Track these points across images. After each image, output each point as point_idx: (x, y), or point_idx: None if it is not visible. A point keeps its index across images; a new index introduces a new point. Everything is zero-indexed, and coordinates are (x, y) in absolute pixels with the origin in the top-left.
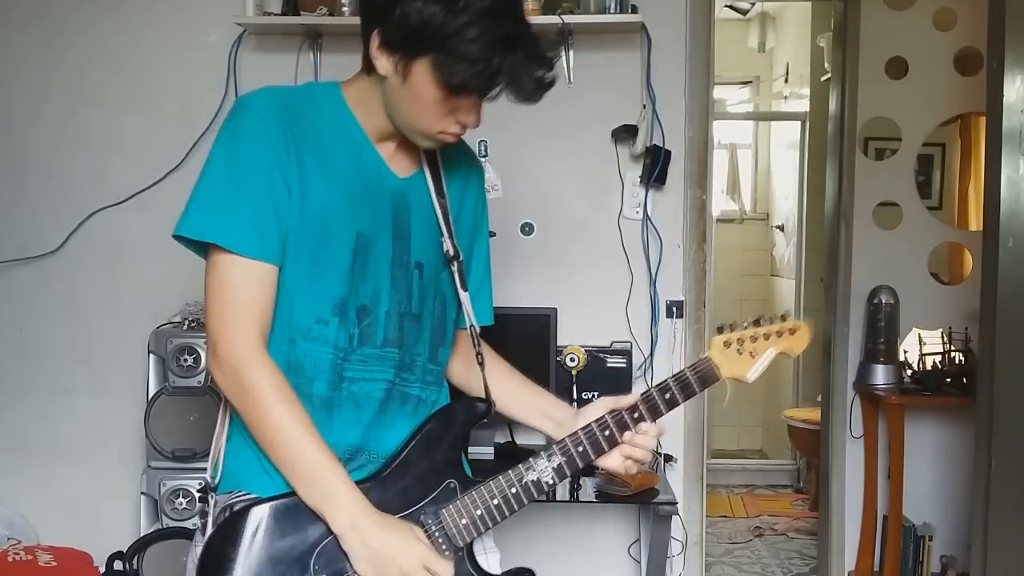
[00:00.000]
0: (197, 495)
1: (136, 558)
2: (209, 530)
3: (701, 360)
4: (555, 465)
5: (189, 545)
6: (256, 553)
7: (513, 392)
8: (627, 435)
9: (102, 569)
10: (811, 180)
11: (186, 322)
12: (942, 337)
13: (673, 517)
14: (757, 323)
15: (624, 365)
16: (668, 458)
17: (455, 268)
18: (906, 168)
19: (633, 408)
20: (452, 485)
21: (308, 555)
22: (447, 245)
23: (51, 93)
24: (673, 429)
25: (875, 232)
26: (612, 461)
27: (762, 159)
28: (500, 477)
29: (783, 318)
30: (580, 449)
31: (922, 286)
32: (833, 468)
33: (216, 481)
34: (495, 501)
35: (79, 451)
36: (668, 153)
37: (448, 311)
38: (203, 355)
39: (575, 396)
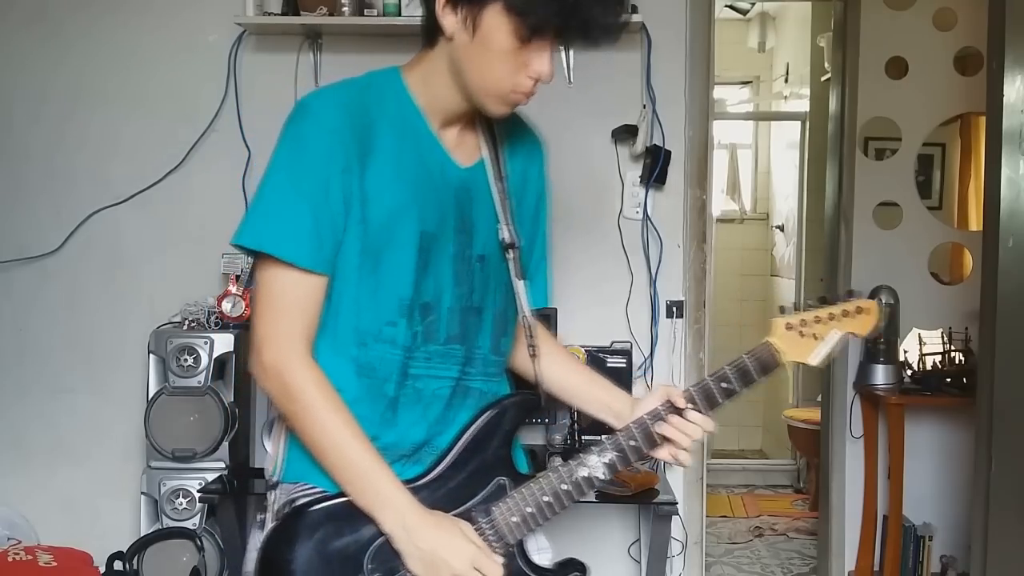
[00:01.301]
0: (197, 495)
1: (136, 558)
2: (270, 524)
3: (760, 344)
4: (606, 460)
5: (189, 545)
6: (314, 550)
7: (572, 382)
8: (674, 420)
9: (102, 569)
10: (811, 180)
11: (186, 322)
12: (942, 337)
13: (673, 517)
14: (823, 303)
15: (624, 365)
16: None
17: (511, 256)
18: (906, 168)
19: (689, 398)
20: (502, 482)
21: (362, 554)
22: (503, 232)
23: (51, 93)
24: None
25: (875, 232)
26: (663, 453)
27: (762, 159)
28: (550, 473)
29: (850, 295)
30: (632, 443)
31: (922, 286)
32: (833, 468)
33: (276, 478)
34: (546, 498)
35: (79, 451)
36: (668, 153)
37: (509, 301)
38: (203, 355)
39: None
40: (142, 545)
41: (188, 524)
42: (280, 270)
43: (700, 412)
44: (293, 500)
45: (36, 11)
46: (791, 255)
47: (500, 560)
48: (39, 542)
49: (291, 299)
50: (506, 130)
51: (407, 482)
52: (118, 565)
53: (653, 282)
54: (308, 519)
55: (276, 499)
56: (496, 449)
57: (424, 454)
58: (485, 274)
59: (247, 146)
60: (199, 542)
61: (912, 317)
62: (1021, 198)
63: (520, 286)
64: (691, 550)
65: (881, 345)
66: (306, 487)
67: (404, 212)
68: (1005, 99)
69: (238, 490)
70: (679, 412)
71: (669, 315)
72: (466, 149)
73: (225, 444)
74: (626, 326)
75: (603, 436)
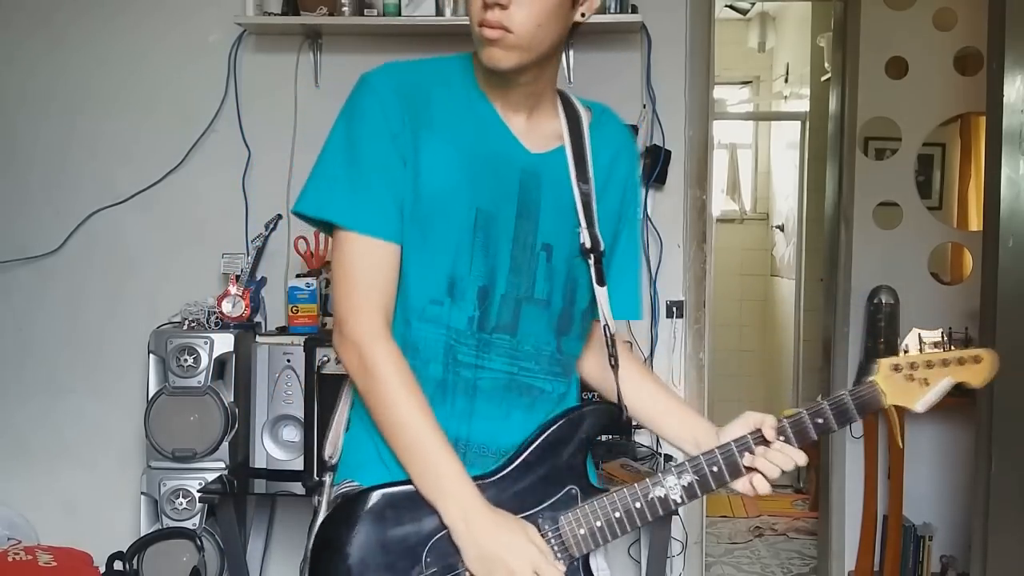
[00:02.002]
0: (197, 495)
1: (136, 558)
2: (323, 510)
3: (865, 384)
4: (685, 483)
5: (189, 545)
6: (370, 539)
7: (651, 400)
8: (760, 450)
9: (102, 569)
10: (811, 180)
11: (186, 322)
12: (942, 337)
13: (673, 517)
14: (937, 347)
15: None
16: (668, 458)
17: (591, 261)
18: (906, 168)
19: (781, 431)
20: (574, 492)
21: (421, 546)
22: (584, 236)
23: (51, 93)
24: None
25: (875, 232)
26: (742, 483)
27: (762, 159)
28: (625, 489)
29: (967, 345)
30: (715, 469)
31: (922, 286)
32: (833, 468)
33: (333, 462)
34: (616, 514)
35: (79, 451)
36: (668, 153)
37: (578, 300)
38: (203, 355)
39: None
40: (142, 545)
41: (188, 524)
42: (349, 240)
43: (791, 445)
44: (344, 493)
45: (37, 11)
46: (791, 255)
47: (562, 568)
48: (39, 542)
49: (362, 270)
50: (592, 125)
51: (475, 479)
52: (118, 565)
53: (653, 282)
54: (366, 507)
55: (328, 491)
56: (570, 456)
57: (473, 453)
58: (551, 266)
59: (247, 146)
60: (199, 542)
61: (912, 317)
62: (1021, 198)
63: (601, 292)
64: (691, 550)
65: (881, 345)
66: (354, 485)
67: (458, 188)
68: (1005, 99)
69: (238, 490)
70: (767, 443)
71: (669, 315)
72: (541, 136)
73: (225, 444)
74: (626, 326)
75: (686, 459)
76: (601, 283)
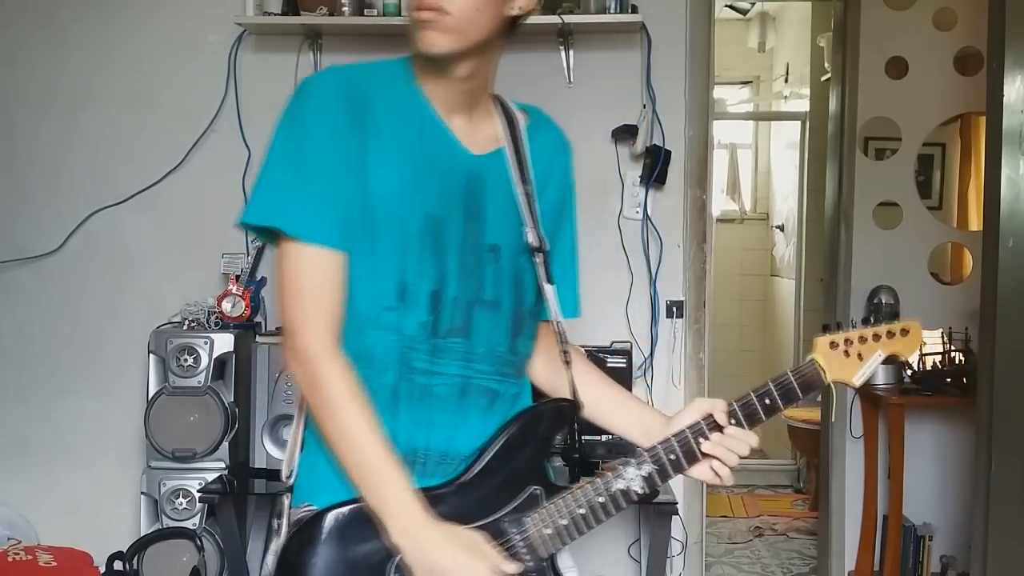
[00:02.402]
0: (197, 495)
1: (136, 558)
2: (284, 531)
3: (805, 363)
4: (645, 474)
5: (189, 545)
6: (334, 558)
7: (601, 395)
8: (715, 436)
9: (102, 569)
10: (811, 180)
11: (186, 322)
12: (942, 337)
13: (673, 517)
14: (865, 323)
15: (624, 365)
16: None
17: (539, 260)
18: (906, 168)
19: (732, 414)
20: (537, 492)
21: (387, 562)
22: (530, 235)
23: (51, 93)
24: None
25: (875, 232)
26: (701, 470)
27: (762, 159)
28: (587, 485)
29: (895, 318)
30: (672, 458)
31: (922, 286)
32: (833, 468)
33: (291, 481)
34: (581, 511)
35: (79, 451)
36: (668, 153)
37: (525, 299)
38: (203, 355)
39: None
40: (142, 545)
41: (188, 524)
42: (293, 248)
43: (743, 428)
44: (301, 519)
45: (39, 11)
46: (791, 255)
47: (515, 569)
48: (39, 542)
49: (314, 280)
50: (529, 128)
51: (434, 488)
52: (118, 565)
53: (653, 282)
54: (326, 525)
55: (288, 512)
56: (531, 457)
57: (432, 460)
58: (500, 267)
59: (247, 146)
60: (199, 542)
61: (912, 317)
62: (1021, 198)
63: (550, 290)
64: (691, 550)
65: None
66: (310, 508)
67: (406, 193)
68: (1005, 99)
69: (238, 490)
70: (720, 429)
71: (669, 315)
72: (479, 138)
73: (225, 444)
74: (626, 326)
75: (644, 450)
76: (550, 281)
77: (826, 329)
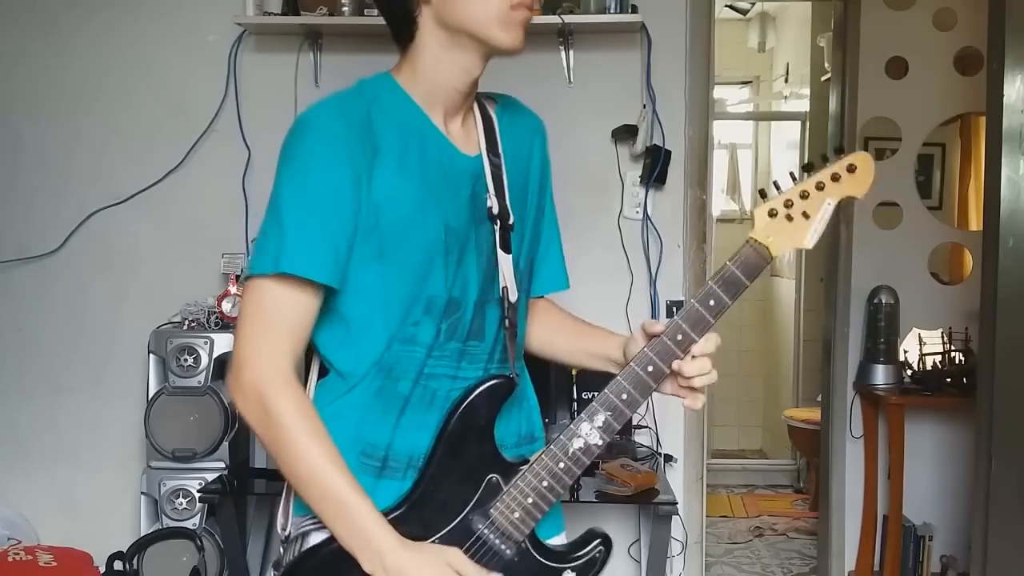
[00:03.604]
0: (197, 495)
1: (136, 558)
2: (292, 545)
3: (744, 245)
4: (599, 424)
5: (189, 545)
6: None
7: (568, 342)
8: (676, 364)
9: (102, 569)
10: None
11: (186, 322)
12: (942, 337)
13: (673, 517)
14: (805, 173)
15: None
16: (668, 458)
17: (497, 227)
18: (906, 168)
19: (674, 330)
20: (494, 480)
21: None
22: (492, 202)
23: (51, 93)
24: (673, 429)
25: (875, 232)
26: (670, 390)
27: (762, 159)
28: (543, 455)
29: (838, 156)
30: (624, 397)
31: (922, 286)
32: (833, 468)
33: (285, 534)
34: (544, 483)
35: (79, 451)
36: (668, 153)
37: (521, 286)
38: (203, 355)
39: (575, 396)
40: (142, 545)
41: (188, 524)
42: (274, 286)
43: (695, 340)
44: (305, 533)
45: (37, 12)
46: (791, 255)
47: None
48: (39, 542)
49: (283, 316)
50: (499, 109)
51: (393, 507)
52: (118, 565)
53: (653, 282)
54: (323, 555)
55: (288, 551)
56: (478, 444)
57: None
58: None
59: (247, 146)
60: (199, 542)
61: (912, 317)
62: (1021, 198)
63: (506, 260)
64: (691, 550)
65: (881, 345)
66: (313, 522)
67: (421, 210)
68: (1005, 99)
69: (238, 490)
70: (671, 348)
71: (669, 315)
72: (470, 138)
73: (225, 444)
74: (626, 326)
75: (592, 399)
76: (506, 250)
77: (763, 195)
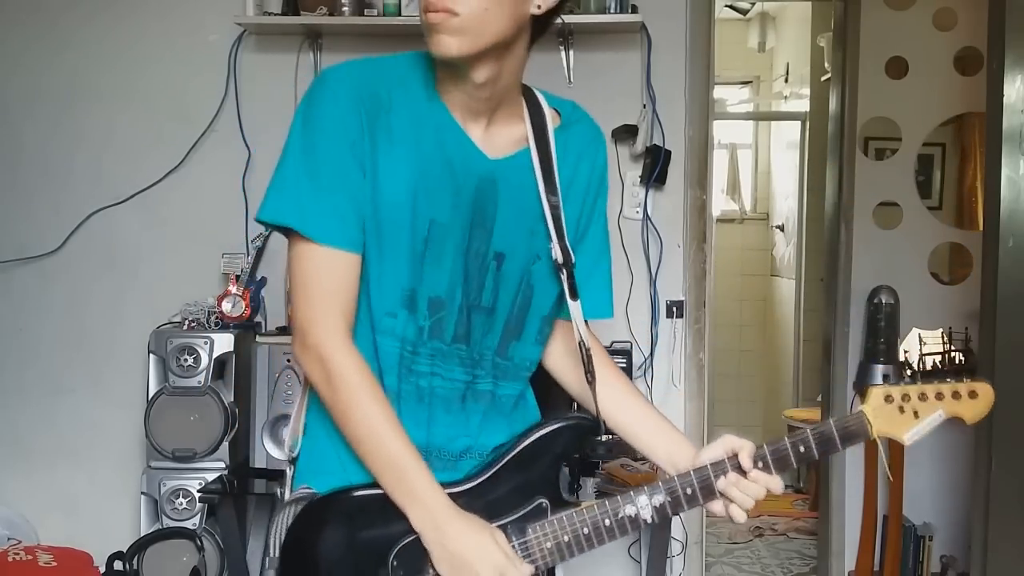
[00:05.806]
0: (197, 495)
1: (136, 558)
2: (288, 497)
3: (853, 415)
4: (657, 504)
5: (189, 545)
6: (338, 543)
7: (633, 416)
8: (734, 477)
9: (102, 569)
10: (811, 180)
11: (186, 322)
12: (942, 337)
13: (673, 517)
14: (929, 377)
15: (624, 365)
16: None
17: (564, 276)
18: (906, 168)
19: (760, 457)
20: (543, 504)
21: (389, 550)
22: (556, 251)
23: (51, 93)
24: None
25: (875, 232)
26: (716, 506)
27: (762, 159)
28: (595, 505)
29: (964, 379)
30: (688, 492)
31: (922, 286)
32: (833, 468)
33: (295, 454)
34: (585, 530)
35: (79, 451)
36: (668, 153)
37: (535, 306)
38: (203, 355)
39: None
40: (142, 545)
41: (188, 524)
42: (306, 248)
43: (768, 473)
44: (303, 498)
45: (36, 11)
46: (791, 255)
47: (529, 571)
48: (39, 542)
49: (327, 279)
50: (558, 131)
51: (447, 485)
52: (118, 565)
53: (653, 282)
54: (333, 510)
55: (290, 493)
56: (544, 469)
57: (436, 456)
58: (501, 273)
59: (247, 146)
60: (199, 542)
61: (912, 317)
62: (1021, 198)
63: (575, 307)
64: (691, 550)
65: (881, 345)
66: (309, 491)
67: (413, 198)
68: (1005, 99)
69: (238, 490)
70: (743, 471)
71: (669, 315)
72: (502, 140)
73: (225, 444)
74: (626, 326)
75: (660, 479)
76: (574, 297)
77: (886, 380)
